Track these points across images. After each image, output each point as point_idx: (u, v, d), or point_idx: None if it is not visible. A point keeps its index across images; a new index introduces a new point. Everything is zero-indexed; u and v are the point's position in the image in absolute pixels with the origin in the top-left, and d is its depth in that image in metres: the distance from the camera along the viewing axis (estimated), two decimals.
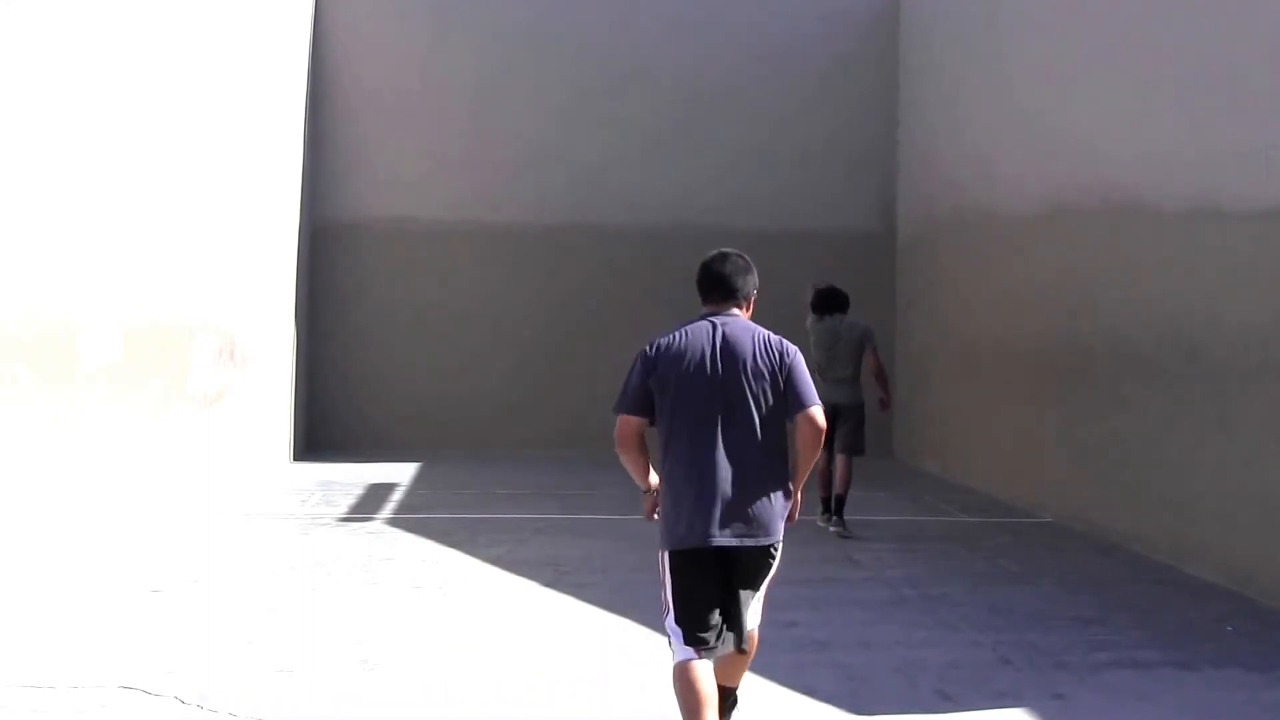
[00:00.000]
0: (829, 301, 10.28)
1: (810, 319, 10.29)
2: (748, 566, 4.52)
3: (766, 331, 4.63)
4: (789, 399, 4.55)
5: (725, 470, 4.44)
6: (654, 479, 4.71)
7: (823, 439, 4.58)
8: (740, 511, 4.43)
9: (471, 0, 15.68)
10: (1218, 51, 8.33)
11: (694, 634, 4.46)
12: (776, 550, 4.56)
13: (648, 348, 4.62)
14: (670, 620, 4.52)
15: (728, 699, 4.81)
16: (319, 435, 15.23)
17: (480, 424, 15.48)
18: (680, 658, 4.47)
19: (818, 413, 4.55)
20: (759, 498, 4.45)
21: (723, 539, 4.42)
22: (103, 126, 8.60)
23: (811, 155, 15.82)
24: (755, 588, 4.58)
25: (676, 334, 4.61)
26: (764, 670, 5.66)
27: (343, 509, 10.72)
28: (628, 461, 4.66)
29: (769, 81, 15.80)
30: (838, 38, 15.92)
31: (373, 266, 15.53)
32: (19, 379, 7.37)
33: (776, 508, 4.50)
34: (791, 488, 4.58)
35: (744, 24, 15.79)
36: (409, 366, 15.48)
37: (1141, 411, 9.18)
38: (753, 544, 4.46)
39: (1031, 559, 8.96)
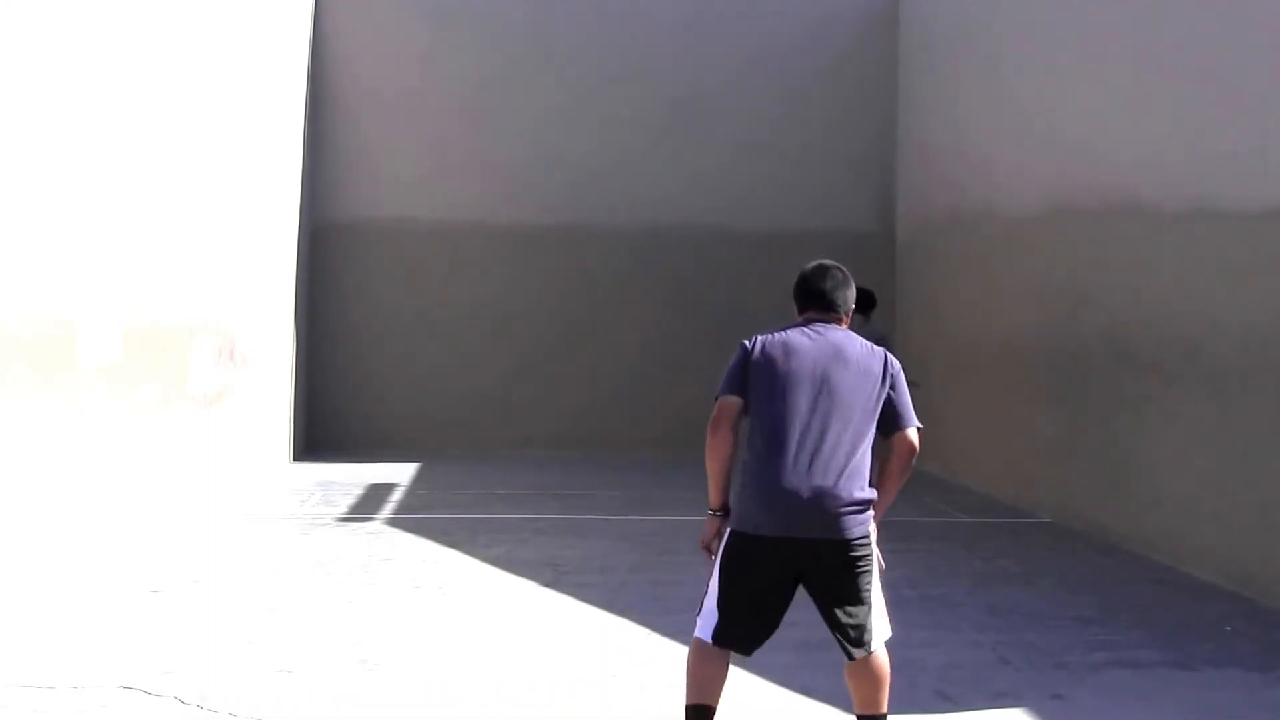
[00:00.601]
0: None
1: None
2: (829, 568, 4.35)
3: (869, 343, 4.61)
4: (889, 414, 4.51)
5: (813, 467, 4.32)
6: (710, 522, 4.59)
7: (914, 461, 4.56)
8: (820, 508, 4.28)
9: (471, 0, 15.69)
10: (1216, 52, 8.34)
11: (728, 629, 4.38)
12: (862, 548, 4.36)
13: (748, 340, 4.56)
14: (710, 601, 4.41)
15: None
16: (318, 435, 15.23)
17: (480, 424, 15.48)
18: (705, 635, 4.42)
19: (915, 435, 4.56)
20: (841, 496, 4.31)
21: (796, 531, 4.29)
22: (103, 127, 8.60)
23: (811, 155, 15.82)
24: (852, 593, 4.37)
25: (778, 333, 4.56)
26: (761, 670, 5.67)
27: (342, 509, 10.73)
28: (716, 447, 4.46)
29: (768, 81, 15.80)
30: (837, 38, 15.93)
31: (372, 267, 15.53)
32: (19, 379, 7.37)
33: (857, 508, 4.35)
34: (875, 501, 4.44)
35: (744, 24, 15.80)
36: (409, 366, 15.48)
37: (1140, 411, 9.19)
38: (834, 537, 4.29)
39: (1030, 559, 8.97)
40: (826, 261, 4.78)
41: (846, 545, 4.34)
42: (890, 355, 4.60)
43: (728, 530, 4.46)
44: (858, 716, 4.54)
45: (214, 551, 8.70)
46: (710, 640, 4.41)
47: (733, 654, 4.48)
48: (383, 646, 6.23)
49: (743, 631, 4.42)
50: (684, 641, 5.50)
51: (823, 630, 4.54)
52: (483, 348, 15.55)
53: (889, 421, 4.53)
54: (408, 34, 15.61)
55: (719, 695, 4.45)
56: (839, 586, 4.38)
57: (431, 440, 15.23)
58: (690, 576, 7.11)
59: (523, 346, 15.58)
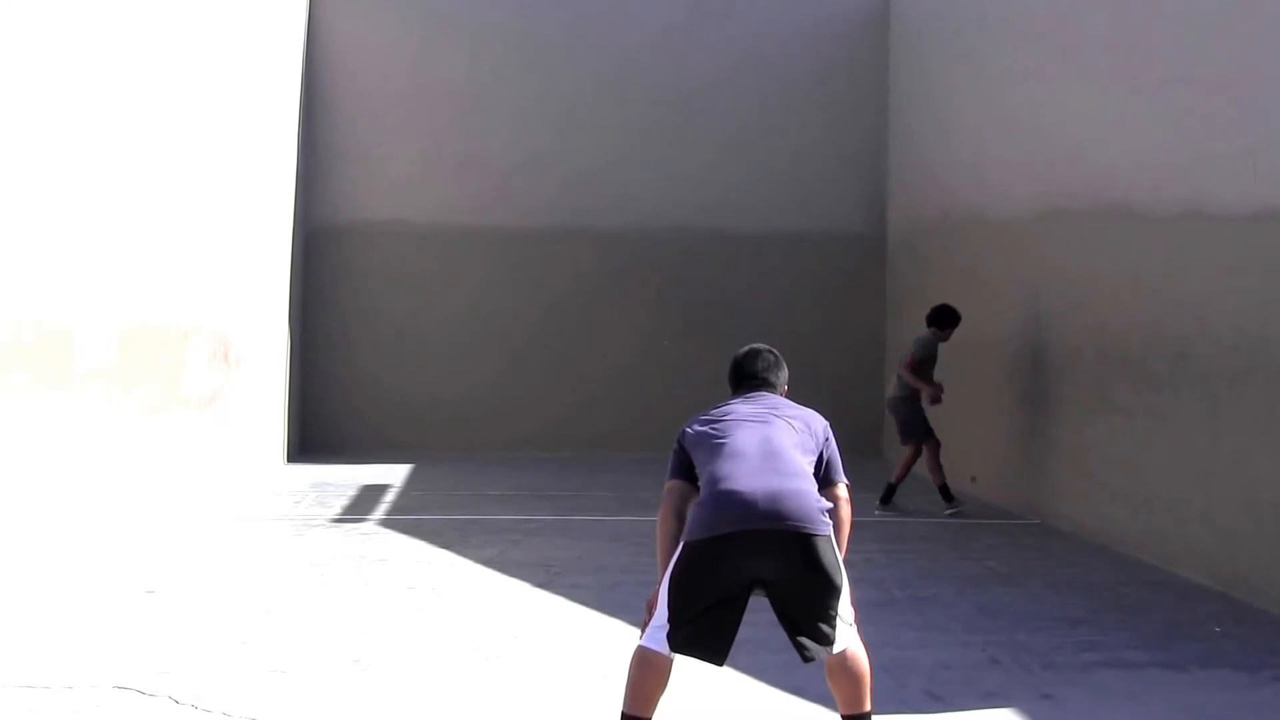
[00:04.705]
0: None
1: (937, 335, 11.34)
2: (794, 563, 4.27)
3: (796, 404, 4.77)
4: (824, 469, 4.63)
5: (768, 474, 4.35)
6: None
7: (849, 512, 4.67)
8: (781, 501, 4.27)
9: (463, 4, 15.72)
10: (1204, 56, 8.38)
11: (683, 636, 4.29)
12: (827, 548, 4.32)
13: (686, 425, 4.72)
14: (660, 616, 4.34)
15: None
16: (312, 437, 15.25)
17: (473, 426, 15.52)
18: (650, 644, 4.36)
19: (845, 490, 4.69)
20: (801, 492, 4.33)
21: (756, 524, 4.24)
22: (98, 130, 8.63)
23: (802, 158, 15.87)
24: (819, 593, 4.31)
25: (715, 407, 4.74)
26: (753, 670, 5.70)
27: (336, 510, 10.75)
28: (660, 529, 4.59)
29: (760, 84, 15.85)
30: (828, 41, 15.97)
31: (366, 269, 15.56)
32: (15, 382, 7.40)
33: (818, 507, 4.34)
34: (832, 524, 4.46)
35: (735, 27, 15.84)
36: (402, 368, 15.51)
37: (1129, 413, 9.24)
38: (797, 529, 4.24)
39: (1020, 560, 9.01)
40: (758, 345, 4.98)
41: (810, 539, 4.28)
42: (821, 417, 4.72)
43: (679, 545, 4.42)
44: (842, 717, 4.51)
45: (209, 552, 8.72)
46: (666, 648, 4.32)
47: (716, 658, 4.39)
48: (377, 647, 6.26)
49: (699, 637, 4.31)
50: None
51: None
52: (474, 349, 15.59)
53: (823, 477, 4.63)
54: (400, 39, 15.64)
55: (655, 707, 4.42)
56: (806, 584, 4.30)
57: (424, 441, 15.26)
58: None
59: (514, 348, 15.61)
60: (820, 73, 15.94)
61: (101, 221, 8.67)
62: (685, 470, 4.64)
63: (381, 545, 9.11)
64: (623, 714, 4.43)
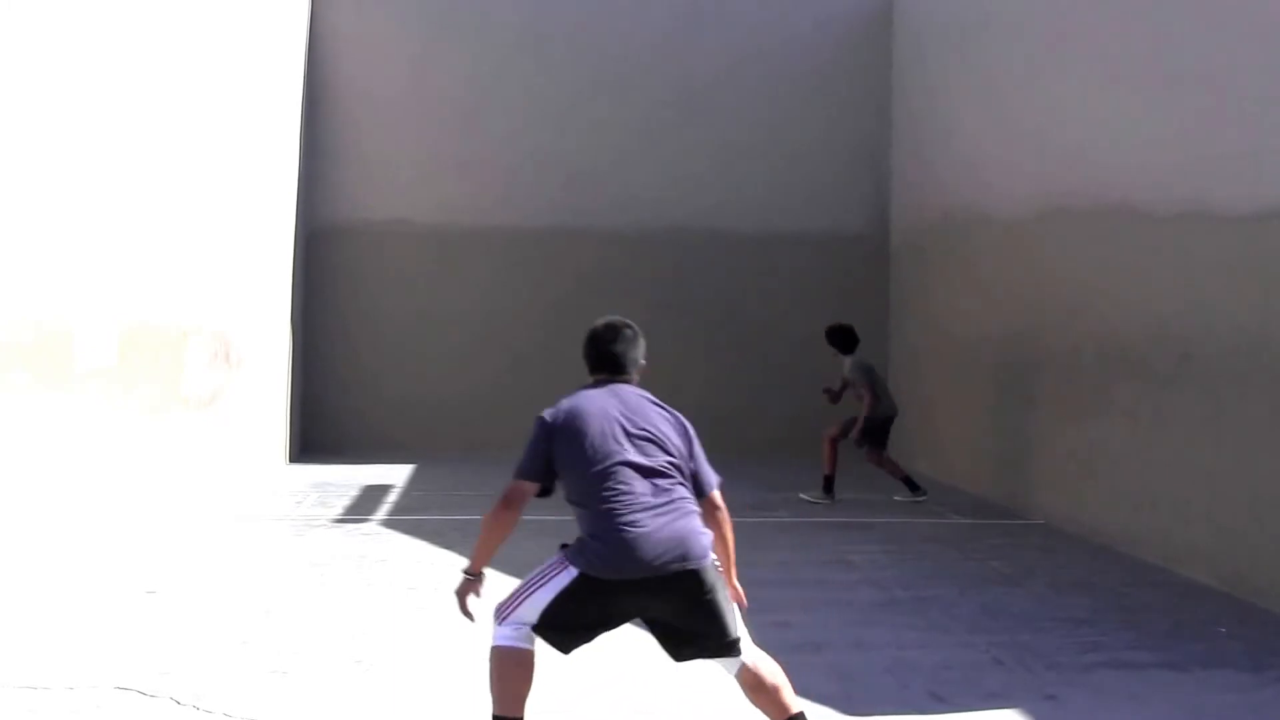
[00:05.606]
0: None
1: (856, 357, 11.86)
2: (689, 597, 4.34)
3: (658, 400, 4.71)
4: (697, 476, 4.59)
5: (656, 508, 4.36)
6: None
7: (727, 518, 4.63)
8: (676, 540, 4.32)
9: (463, 4, 15.71)
10: (1207, 56, 8.37)
11: (548, 631, 4.42)
12: (714, 571, 4.42)
13: (546, 414, 4.59)
14: (527, 615, 4.43)
15: None
16: (314, 437, 15.24)
17: (474, 426, 15.49)
18: (516, 644, 4.45)
19: (719, 495, 4.64)
20: (690, 527, 4.38)
21: (657, 570, 4.29)
22: (98, 131, 8.62)
23: (804, 158, 15.85)
24: (715, 612, 4.39)
25: (575, 398, 4.61)
26: None
27: (337, 510, 10.74)
28: (500, 525, 4.56)
29: (762, 84, 15.83)
30: (830, 41, 15.96)
31: (367, 269, 15.55)
32: (15, 382, 7.39)
33: (704, 537, 4.41)
34: (721, 561, 4.55)
35: (737, 27, 15.82)
36: (403, 368, 15.49)
37: (1132, 413, 9.23)
38: (693, 567, 4.32)
39: (1023, 560, 9.00)
40: (616, 320, 4.84)
41: (702, 572, 4.36)
42: (683, 417, 4.67)
43: (572, 572, 4.40)
44: None
45: (209, 552, 8.71)
46: (530, 644, 4.44)
47: (568, 650, 4.54)
48: (377, 647, 6.26)
49: (566, 637, 4.48)
50: None
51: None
52: (476, 349, 15.57)
53: (697, 485, 4.59)
54: (401, 39, 15.63)
55: (525, 705, 4.50)
56: (702, 610, 4.37)
57: (426, 441, 15.25)
58: None
59: (516, 348, 15.59)
60: (822, 72, 15.92)
61: (101, 221, 8.66)
62: (543, 469, 4.55)
63: (382, 545, 9.10)
64: (495, 717, 4.47)
